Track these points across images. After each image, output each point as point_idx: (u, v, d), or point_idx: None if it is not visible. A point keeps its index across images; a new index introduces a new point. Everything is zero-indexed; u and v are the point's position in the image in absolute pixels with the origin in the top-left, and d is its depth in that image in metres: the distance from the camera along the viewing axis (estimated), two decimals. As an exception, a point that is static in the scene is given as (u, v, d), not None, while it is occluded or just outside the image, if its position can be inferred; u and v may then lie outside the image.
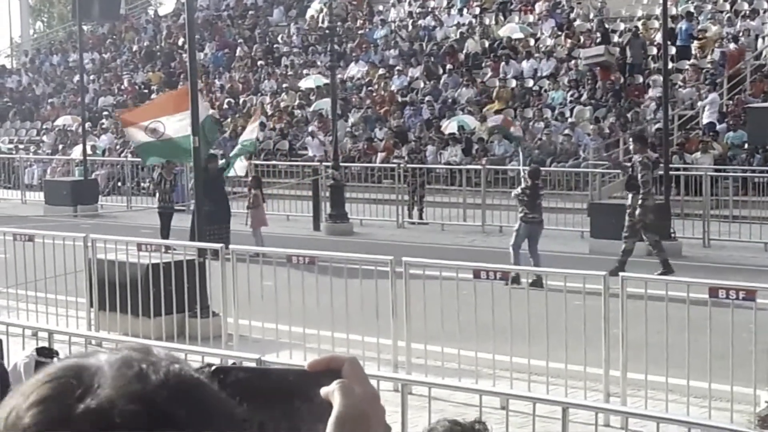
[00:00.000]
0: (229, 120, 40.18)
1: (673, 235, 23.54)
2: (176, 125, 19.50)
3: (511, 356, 12.64)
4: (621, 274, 13.25)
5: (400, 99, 38.58)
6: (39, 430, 1.32)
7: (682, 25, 36.01)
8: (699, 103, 32.48)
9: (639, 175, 19.77)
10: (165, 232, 24.49)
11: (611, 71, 35.66)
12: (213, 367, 1.56)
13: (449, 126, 34.70)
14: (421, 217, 29.04)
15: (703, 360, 11.49)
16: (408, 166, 30.18)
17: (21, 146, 45.18)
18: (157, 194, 25.37)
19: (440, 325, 13.35)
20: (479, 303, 13.06)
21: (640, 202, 19.90)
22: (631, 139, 21.40)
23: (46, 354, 8.47)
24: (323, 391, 1.53)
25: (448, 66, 39.50)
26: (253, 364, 7.44)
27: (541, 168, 24.24)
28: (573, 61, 37.08)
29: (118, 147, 41.08)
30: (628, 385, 12.17)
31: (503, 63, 38.37)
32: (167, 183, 25.41)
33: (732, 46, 34.51)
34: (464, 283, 13.41)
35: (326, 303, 14.01)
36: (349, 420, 1.51)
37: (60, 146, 43.33)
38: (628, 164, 20.69)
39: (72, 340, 12.53)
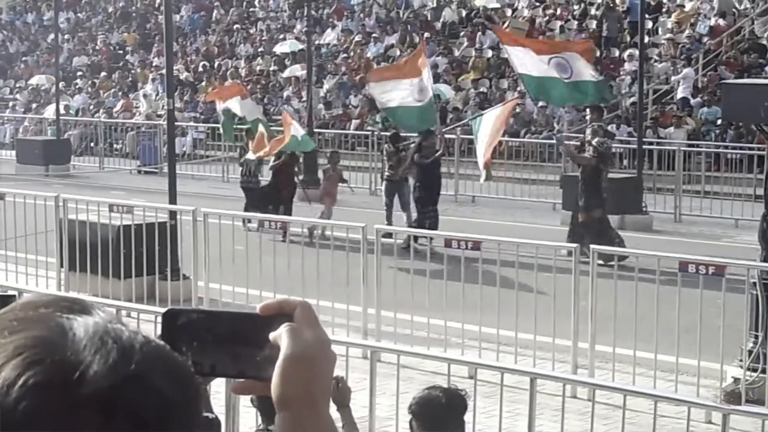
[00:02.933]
0: (204, 83, 39.99)
1: (644, 208, 23.62)
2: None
3: (480, 326, 12.68)
4: (591, 246, 13.29)
5: (375, 66, 38.46)
6: (42, 417, 1.25)
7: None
8: (673, 78, 32.53)
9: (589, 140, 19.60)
10: (254, 207, 21.01)
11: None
12: (166, 309, 1.56)
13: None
14: None
15: (671, 334, 11.55)
16: (382, 133, 30.10)
17: (-7, 104, 44.90)
18: (242, 168, 22.92)
19: (410, 294, 13.37)
20: (449, 272, 13.09)
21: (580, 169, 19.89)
22: (588, 109, 21.41)
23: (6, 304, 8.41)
24: (272, 335, 1.53)
25: (425, 34, 39.39)
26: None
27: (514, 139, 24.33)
28: (549, 33, 37.04)
29: (91, 107, 40.87)
30: (595, 357, 12.23)
31: (479, 33, 38.28)
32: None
33: (721, 21, 34.49)
34: (435, 253, 13.44)
35: (297, 269, 14.01)
36: (294, 363, 1.51)
37: (33, 105, 43.05)
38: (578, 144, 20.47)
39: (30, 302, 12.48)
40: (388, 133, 28.05)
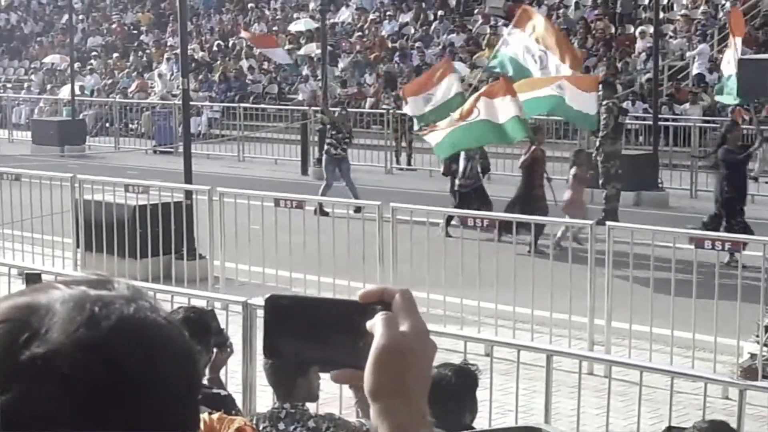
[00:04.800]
0: (218, 62, 39.97)
1: (660, 185, 23.57)
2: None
3: (496, 304, 12.68)
4: (608, 223, 13.27)
5: (390, 44, 38.40)
6: None
7: None
8: (688, 54, 32.41)
9: (601, 119, 19.61)
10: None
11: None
12: (268, 295, 1.55)
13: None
14: (409, 163, 28.99)
15: (687, 310, 11.54)
16: (397, 112, 30.08)
17: (9, 85, 44.96)
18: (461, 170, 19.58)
19: (426, 272, 13.38)
20: (465, 250, 13.09)
21: (597, 144, 19.91)
22: (600, 86, 21.27)
23: (35, 281, 8.45)
24: (369, 323, 1.50)
25: (440, 12, 39.31)
26: (239, 307, 7.32)
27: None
28: (562, 10, 36.94)
29: (106, 87, 40.92)
30: (612, 334, 12.22)
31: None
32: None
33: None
34: (451, 230, 13.43)
35: (313, 247, 14.03)
36: (387, 352, 1.48)
37: (48, 86, 43.11)
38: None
39: (58, 280, 12.52)
40: (401, 112, 27.93)
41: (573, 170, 18.70)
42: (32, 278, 7.53)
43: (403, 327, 1.50)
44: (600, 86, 20.78)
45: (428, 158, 28.46)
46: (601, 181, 20.00)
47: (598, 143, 19.96)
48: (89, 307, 1.32)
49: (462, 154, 19.07)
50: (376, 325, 1.49)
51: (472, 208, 17.08)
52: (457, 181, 19.48)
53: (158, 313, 1.38)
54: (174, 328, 1.38)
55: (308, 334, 1.53)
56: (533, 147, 18.45)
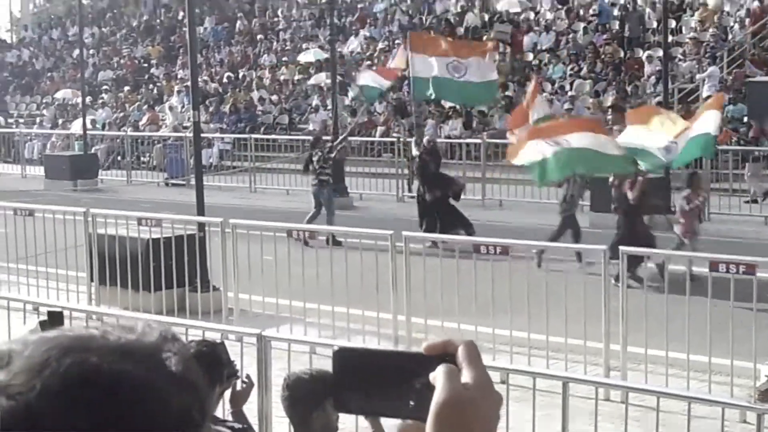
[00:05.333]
0: (228, 94, 40.09)
1: (672, 208, 23.52)
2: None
3: (510, 330, 12.65)
4: (621, 247, 13.24)
5: (399, 73, 38.43)
6: None
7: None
8: (698, 76, 32.43)
9: None
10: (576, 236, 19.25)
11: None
12: (337, 348, 1.56)
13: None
14: (410, 190, 28.74)
15: (703, 334, 11.50)
16: (407, 139, 30.10)
17: (21, 120, 45.14)
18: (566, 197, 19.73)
19: (440, 300, 13.36)
20: (479, 277, 13.07)
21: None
22: (610, 110, 21.38)
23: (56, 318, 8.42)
24: (431, 375, 1.49)
25: (448, 39, 39.36)
26: (253, 339, 7.32)
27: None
28: (572, 35, 37.01)
29: (117, 121, 41.05)
30: (628, 359, 12.19)
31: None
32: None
33: (755, 4, 34.43)
34: (464, 258, 13.42)
35: (326, 277, 14.02)
36: (448, 406, 1.46)
37: (60, 120, 43.27)
38: None
39: (72, 315, 12.53)
40: (411, 140, 28.01)
41: (685, 193, 18.06)
42: (54, 315, 7.51)
43: (466, 379, 1.49)
44: (609, 110, 20.92)
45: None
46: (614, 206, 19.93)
47: None
48: (49, 353, 1.34)
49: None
50: (437, 377, 1.48)
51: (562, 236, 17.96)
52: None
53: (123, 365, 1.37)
54: (159, 389, 1.37)
55: (375, 387, 1.53)
56: (640, 178, 17.88)
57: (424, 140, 23.14)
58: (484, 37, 38.83)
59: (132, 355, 1.37)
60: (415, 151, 22.29)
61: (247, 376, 7.11)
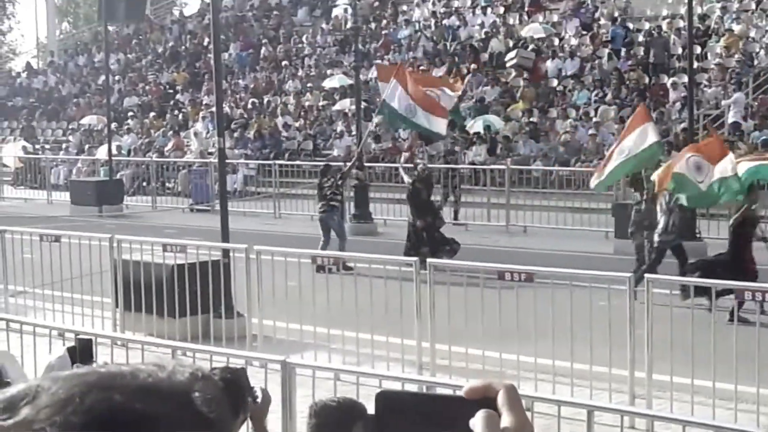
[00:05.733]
0: (253, 120, 40.22)
1: (698, 235, 23.44)
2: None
3: (535, 357, 12.62)
4: (646, 276, 13.18)
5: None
6: None
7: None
8: (723, 102, 32.36)
9: (642, 171, 19.63)
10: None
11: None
12: (378, 391, 1.56)
13: (475, 125, 34.66)
14: (456, 218, 28.68)
15: (729, 362, 11.45)
16: (429, 166, 30.13)
17: (47, 146, 45.38)
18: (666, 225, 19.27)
19: (464, 326, 13.35)
20: (503, 304, 13.05)
21: (644, 197, 19.76)
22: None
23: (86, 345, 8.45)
24: (471, 421, 1.49)
25: (473, 66, 39.45)
26: (278, 366, 7.31)
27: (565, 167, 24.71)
28: (597, 61, 37.01)
29: (143, 147, 41.22)
30: (653, 387, 12.13)
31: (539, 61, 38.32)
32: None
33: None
34: (488, 284, 13.40)
35: (351, 304, 14.02)
36: None
37: (85, 146, 43.48)
38: None
39: (98, 341, 12.57)
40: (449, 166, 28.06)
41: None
42: (83, 343, 7.57)
43: (505, 424, 1.48)
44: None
45: (464, 212, 28.50)
46: (632, 230, 19.92)
47: (645, 197, 19.74)
48: (74, 389, 1.36)
49: (660, 208, 19.31)
50: (476, 424, 1.48)
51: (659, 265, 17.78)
52: (656, 237, 19.26)
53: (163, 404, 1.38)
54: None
55: (417, 431, 1.53)
56: (745, 206, 17.74)
57: (418, 167, 23.71)
58: (508, 64, 38.95)
59: (158, 395, 1.38)
60: (406, 179, 22.77)
61: (262, 390, 7.10)
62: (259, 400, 7.05)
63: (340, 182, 22.70)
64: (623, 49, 37.15)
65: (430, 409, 1.54)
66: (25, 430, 1.31)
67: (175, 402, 1.38)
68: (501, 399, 1.50)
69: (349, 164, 24.28)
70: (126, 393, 1.36)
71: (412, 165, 25.26)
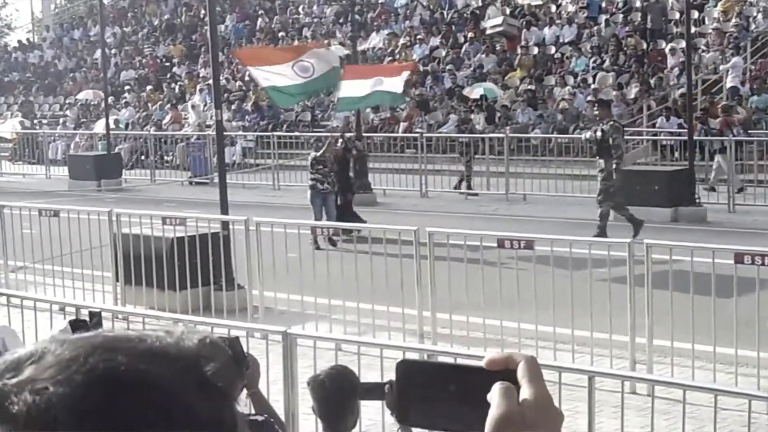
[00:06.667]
0: (251, 92, 40.15)
1: (697, 200, 23.47)
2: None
3: (536, 325, 12.65)
4: (645, 240, 13.19)
5: (421, 68, 38.47)
6: None
7: None
8: (721, 67, 32.30)
9: (611, 139, 19.78)
10: None
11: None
12: (399, 360, 1.56)
13: (474, 92, 34.60)
14: (469, 187, 28.69)
15: (729, 326, 11.46)
16: (426, 135, 30.12)
17: (44, 121, 45.32)
18: None
19: (465, 295, 13.36)
20: (503, 272, 13.07)
21: (614, 166, 19.91)
22: (596, 106, 21.78)
23: (80, 326, 8.47)
24: (489, 395, 1.47)
25: (470, 34, 39.37)
26: (279, 337, 7.34)
27: (564, 135, 24.66)
28: (595, 27, 36.93)
29: (140, 120, 41.16)
30: (654, 353, 12.16)
31: (525, 30, 38.22)
32: None
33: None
34: (488, 252, 13.41)
35: (351, 274, 14.04)
36: (502, 423, 1.44)
37: (83, 121, 43.43)
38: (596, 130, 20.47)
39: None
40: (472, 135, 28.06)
41: None
42: (93, 315, 7.59)
43: (524, 395, 1.47)
44: (595, 106, 21.49)
45: (479, 181, 28.49)
46: (599, 198, 20.14)
47: (615, 164, 19.90)
48: (78, 350, 1.35)
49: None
50: (492, 395, 1.47)
51: None
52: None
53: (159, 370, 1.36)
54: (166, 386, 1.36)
55: (436, 401, 1.52)
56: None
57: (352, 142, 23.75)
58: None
59: (163, 358, 1.37)
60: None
61: (249, 356, 7.11)
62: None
63: (321, 157, 21.41)
64: (621, 15, 37.04)
65: (450, 378, 1.53)
66: (28, 388, 1.31)
67: (182, 366, 1.37)
68: (521, 371, 1.48)
69: (324, 148, 22.70)
70: (131, 355, 1.35)
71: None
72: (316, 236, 17.73)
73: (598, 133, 19.99)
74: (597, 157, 20.48)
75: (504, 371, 1.49)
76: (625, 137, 21.59)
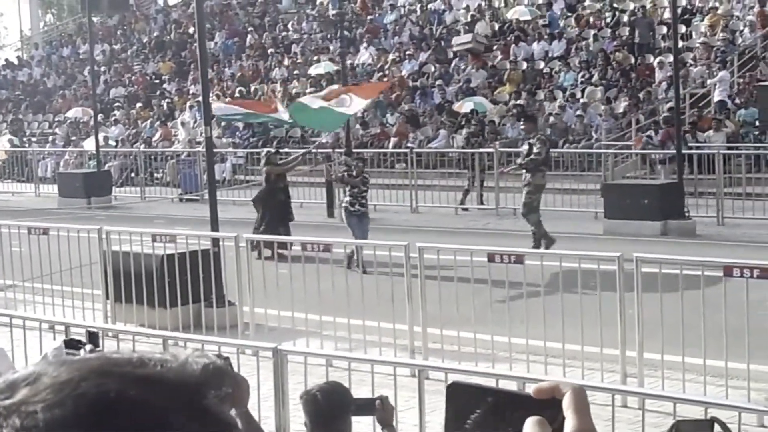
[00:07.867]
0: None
1: (687, 213, 23.51)
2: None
3: (527, 339, 12.65)
4: (635, 254, 13.21)
5: (411, 84, 38.54)
6: None
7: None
8: (709, 81, 32.41)
9: (534, 152, 19.99)
10: None
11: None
12: (450, 382, 1.57)
13: (464, 106, 34.64)
14: (481, 202, 28.58)
15: (719, 339, 11.48)
16: (416, 150, 30.12)
17: (34, 139, 45.27)
18: None
19: (456, 310, 13.37)
20: (494, 287, 13.08)
21: (527, 176, 20.24)
22: (521, 120, 22.14)
23: (74, 345, 8.45)
24: (525, 425, 1.46)
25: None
26: (269, 353, 7.35)
27: (553, 149, 24.73)
28: (583, 42, 37.03)
29: (130, 137, 41.15)
30: (644, 366, 12.17)
31: (513, 45, 38.32)
32: None
33: (756, 8, 34.53)
34: (478, 267, 13.42)
35: (342, 290, 14.04)
36: None
37: (72, 138, 43.41)
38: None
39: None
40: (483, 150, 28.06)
41: None
42: (71, 344, 7.58)
43: (569, 429, 1.45)
44: (522, 120, 21.96)
45: (453, 196, 28.51)
46: (523, 212, 20.31)
47: (530, 175, 20.22)
48: (74, 373, 1.33)
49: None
50: (525, 428, 1.46)
51: None
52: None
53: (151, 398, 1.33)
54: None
55: (483, 425, 1.52)
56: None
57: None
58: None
59: (160, 385, 1.33)
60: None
61: (237, 374, 7.11)
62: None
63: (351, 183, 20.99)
64: (609, 30, 37.16)
65: (501, 405, 1.52)
66: (18, 411, 1.30)
67: (179, 394, 1.34)
68: (566, 401, 1.47)
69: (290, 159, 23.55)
70: (125, 380, 1.32)
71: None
72: (351, 258, 17.50)
73: (525, 147, 20.37)
74: (524, 171, 20.71)
75: (550, 400, 1.47)
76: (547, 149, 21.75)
